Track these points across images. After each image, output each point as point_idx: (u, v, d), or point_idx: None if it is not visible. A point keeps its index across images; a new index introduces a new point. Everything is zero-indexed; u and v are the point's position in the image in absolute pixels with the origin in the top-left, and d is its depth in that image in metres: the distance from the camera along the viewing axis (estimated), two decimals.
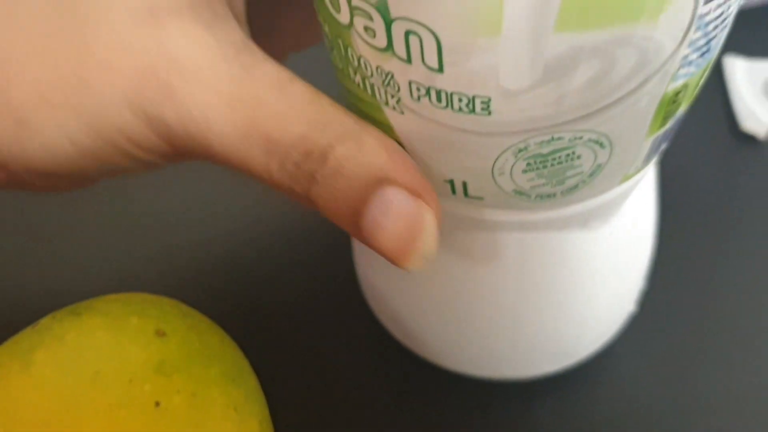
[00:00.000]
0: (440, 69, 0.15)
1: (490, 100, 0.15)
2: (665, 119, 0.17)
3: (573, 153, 0.17)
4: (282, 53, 0.25)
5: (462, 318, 0.24)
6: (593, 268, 0.22)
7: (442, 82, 0.15)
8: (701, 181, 0.34)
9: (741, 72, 0.37)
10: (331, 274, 0.32)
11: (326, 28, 0.17)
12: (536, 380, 0.27)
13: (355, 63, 0.16)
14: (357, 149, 0.17)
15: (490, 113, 0.15)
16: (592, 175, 0.18)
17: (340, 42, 0.16)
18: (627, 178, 0.19)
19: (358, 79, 0.17)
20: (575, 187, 0.18)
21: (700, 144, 0.35)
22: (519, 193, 0.18)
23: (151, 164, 0.19)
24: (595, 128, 0.16)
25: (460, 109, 0.15)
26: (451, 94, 0.15)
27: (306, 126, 0.17)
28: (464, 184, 0.18)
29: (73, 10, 0.18)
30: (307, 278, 0.32)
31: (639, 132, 0.17)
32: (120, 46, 0.17)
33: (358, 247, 0.27)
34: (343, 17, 0.15)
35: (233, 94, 0.17)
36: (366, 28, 0.15)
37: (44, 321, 0.20)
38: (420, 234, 0.17)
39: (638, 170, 0.19)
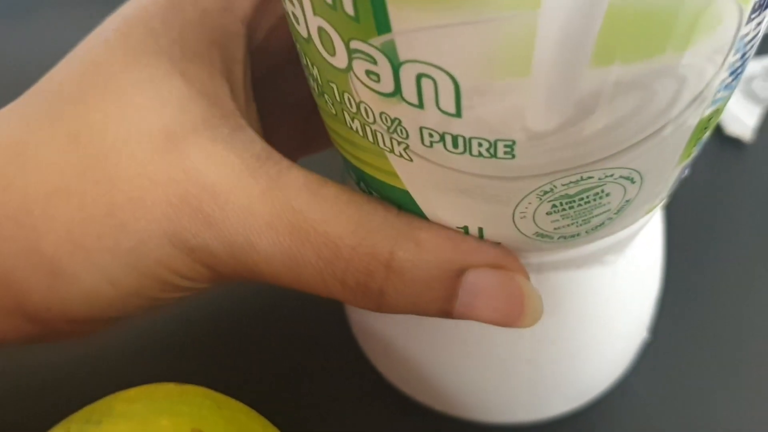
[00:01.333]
0: (458, 113, 0.13)
1: (514, 143, 0.13)
2: (695, 146, 0.16)
3: (602, 191, 0.15)
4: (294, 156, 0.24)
5: (476, 365, 0.22)
6: (611, 301, 0.21)
7: (459, 127, 0.13)
8: (688, 185, 0.33)
9: None
10: (329, 337, 0.30)
11: (314, 72, 0.15)
12: (551, 421, 0.25)
13: (353, 109, 0.15)
14: (418, 249, 0.17)
15: (513, 157, 0.14)
16: (619, 211, 0.16)
17: (333, 87, 0.15)
18: (651, 210, 0.18)
19: (356, 125, 0.15)
20: (601, 225, 0.16)
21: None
22: (541, 235, 0.16)
23: (193, 290, 0.19)
24: (627, 164, 0.14)
25: (480, 154, 0.14)
26: (470, 140, 0.14)
27: (354, 235, 0.17)
28: (480, 230, 0.17)
29: (91, 147, 0.17)
30: (308, 340, 0.30)
31: (671, 163, 0.15)
32: (147, 178, 0.17)
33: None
34: (339, 61, 0.14)
35: (270, 213, 0.17)
36: (368, 73, 0.13)
37: (57, 430, 0.17)
38: (521, 299, 0.17)
39: (663, 201, 0.18)
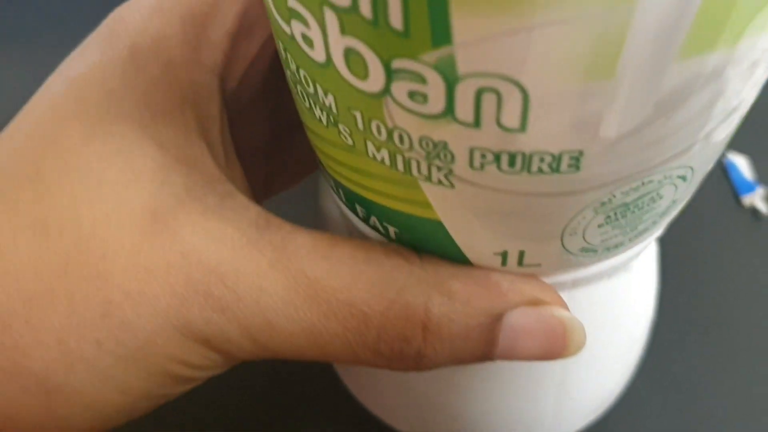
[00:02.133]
0: (522, 128, 0.12)
1: (581, 154, 0.12)
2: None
3: (657, 194, 0.14)
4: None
5: (501, 394, 0.20)
6: (632, 306, 0.20)
7: (520, 142, 0.12)
8: (703, 254, 0.32)
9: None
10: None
11: (328, 101, 0.13)
12: None
13: (382, 137, 0.13)
14: (452, 302, 0.15)
15: (578, 169, 0.12)
16: (664, 214, 0.15)
17: (357, 115, 0.13)
18: (681, 209, 0.17)
19: (382, 155, 0.13)
20: (645, 230, 0.15)
21: (702, 217, 0.33)
22: (586, 250, 0.15)
23: (205, 378, 0.17)
24: (687, 162, 0.13)
25: (540, 170, 0.12)
26: (530, 156, 0.12)
27: (383, 298, 0.15)
28: (521, 254, 0.15)
29: (65, 237, 0.14)
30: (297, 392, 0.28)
31: (718, 154, 0.14)
32: (142, 268, 0.15)
33: None
34: (372, 85, 0.12)
35: (284, 288, 0.15)
36: (412, 94, 0.12)
37: None
38: (564, 333, 0.16)
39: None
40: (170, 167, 0.15)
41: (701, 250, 0.31)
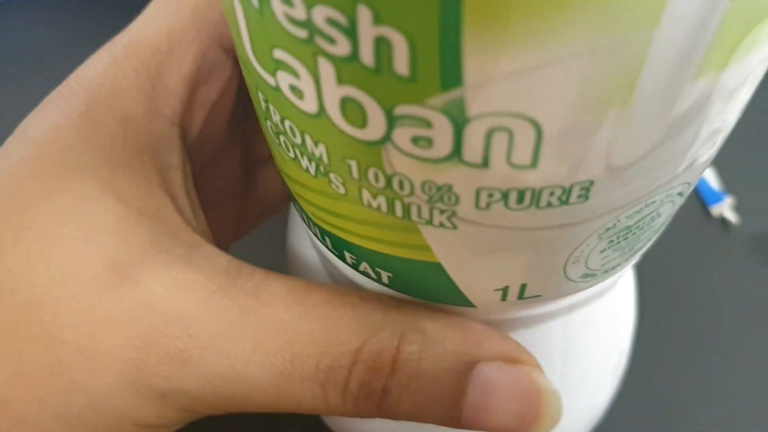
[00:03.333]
0: (533, 164, 0.11)
1: (592, 183, 0.12)
2: None
3: (657, 213, 0.14)
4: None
5: None
6: (620, 326, 0.20)
7: (531, 179, 0.11)
8: (675, 264, 0.32)
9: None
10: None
11: (317, 152, 0.13)
12: None
13: (380, 184, 0.12)
14: (424, 340, 0.15)
15: (587, 199, 0.12)
16: (658, 231, 0.15)
17: (351, 164, 0.12)
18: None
19: (378, 202, 0.13)
20: (640, 249, 0.15)
21: (672, 228, 0.33)
22: (586, 276, 0.15)
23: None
24: (687, 179, 0.13)
25: (549, 204, 0.12)
26: (540, 191, 0.12)
27: (356, 338, 0.15)
28: (522, 287, 0.15)
29: (18, 296, 0.14)
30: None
31: (708, 164, 0.14)
32: (97, 323, 0.14)
33: None
34: (371, 133, 0.11)
35: (257, 335, 0.14)
36: (416, 139, 0.11)
37: None
38: (537, 399, 0.15)
39: None
40: (132, 220, 0.15)
41: (673, 260, 0.32)
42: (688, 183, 0.13)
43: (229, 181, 0.20)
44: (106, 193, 0.15)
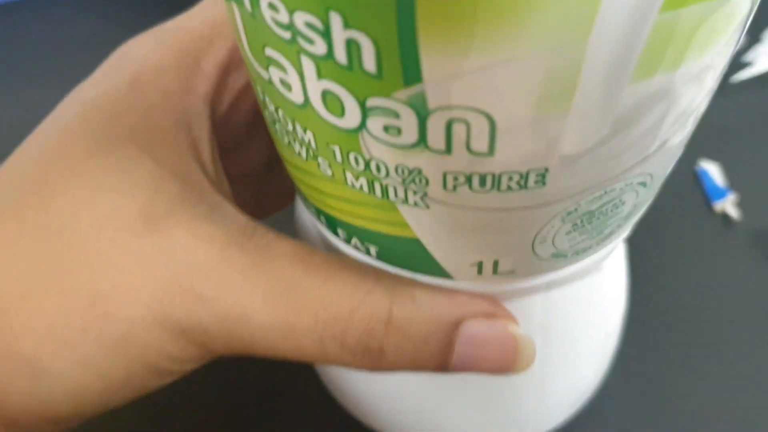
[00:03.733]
0: (491, 152, 0.12)
1: (546, 170, 0.13)
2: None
3: (620, 200, 0.15)
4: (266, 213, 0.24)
5: (485, 393, 0.21)
6: (605, 302, 0.21)
7: (490, 165, 0.13)
8: (676, 259, 0.33)
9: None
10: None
11: (306, 137, 0.14)
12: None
13: (360, 167, 0.14)
14: (414, 305, 0.17)
15: (544, 185, 0.13)
16: (628, 217, 0.16)
17: (335, 149, 0.14)
18: (645, 212, 0.18)
19: (360, 182, 0.14)
20: (611, 234, 0.16)
21: (674, 223, 0.34)
22: (557, 255, 0.16)
23: (183, 372, 0.18)
24: (646, 170, 0.14)
25: (509, 188, 0.13)
26: (500, 176, 0.13)
27: (353, 297, 0.16)
28: (495, 263, 0.16)
29: (63, 236, 0.16)
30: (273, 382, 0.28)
31: (675, 159, 0.15)
32: (131, 263, 0.16)
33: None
34: (349, 121, 0.13)
35: (264, 284, 0.16)
36: (387, 128, 0.12)
37: None
38: (515, 345, 0.17)
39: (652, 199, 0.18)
40: (165, 179, 0.17)
41: (674, 255, 0.32)
42: (650, 174, 0.15)
43: (251, 162, 0.22)
44: (144, 155, 0.17)
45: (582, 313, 0.20)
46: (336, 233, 0.17)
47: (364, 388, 0.23)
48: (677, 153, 0.15)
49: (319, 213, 0.17)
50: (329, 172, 0.15)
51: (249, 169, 0.22)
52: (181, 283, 0.16)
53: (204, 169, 0.18)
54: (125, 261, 0.16)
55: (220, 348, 0.17)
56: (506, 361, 0.17)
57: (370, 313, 0.16)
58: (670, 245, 0.33)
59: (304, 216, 0.20)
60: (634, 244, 0.32)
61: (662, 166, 0.15)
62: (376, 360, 0.17)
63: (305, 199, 0.17)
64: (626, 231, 0.18)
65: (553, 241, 0.15)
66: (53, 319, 0.16)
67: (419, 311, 0.17)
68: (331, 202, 0.16)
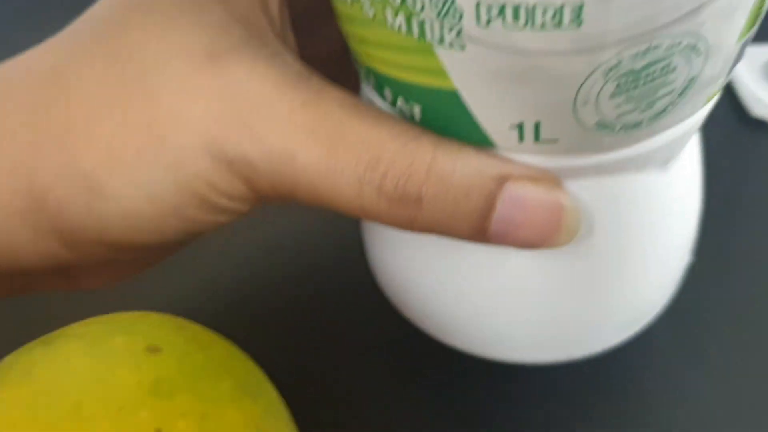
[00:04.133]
0: None
1: (582, 6, 0.12)
2: (756, 18, 0.15)
3: (668, 65, 0.14)
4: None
5: (524, 295, 0.21)
6: (666, 212, 0.20)
7: None
8: (713, 168, 0.32)
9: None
10: (341, 267, 0.29)
11: None
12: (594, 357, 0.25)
13: (397, 2, 0.14)
14: (458, 154, 0.16)
15: (580, 24, 0.13)
16: (682, 93, 0.15)
17: None
18: (709, 99, 0.17)
19: (399, 21, 0.14)
20: (663, 111, 0.16)
21: (710, 133, 0.32)
22: (602, 126, 0.15)
23: (231, 213, 0.18)
24: (695, 29, 0.13)
25: (543, 25, 0.13)
26: (534, 7, 0.13)
27: (397, 140, 0.16)
28: (536, 126, 0.15)
29: (131, 63, 0.17)
30: (315, 275, 0.29)
31: (734, 33, 0.14)
32: (188, 92, 0.17)
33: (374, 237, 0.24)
34: None
35: (311, 122, 0.16)
36: None
37: (8, 358, 0.17)
38: (560, 213, 0.17)
39: (719, 89, 0.17)
40: (232, 23, 0.18)
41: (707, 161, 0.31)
42: (701, 38, 0.14)
43: (324, 46, 0.23)
44: (216, 2, 0.18)
45: (641, 216, 0.19)
46: (383, 95, 0.17)
47: (416, 288, 0.23)
48: (733, 27, 0.14)
49: (368, 73, 0.17)
50: (371, 13, 0.15)
51: (322, 52, 0.23)
52: (234, 115, 0.17)
53: (270, 20, 0.18)
54: (184, 91, 0.17)
55: (265, 186, 0.17)
56: (548, 229, 0.17)
57: (413, 157, 0.16)
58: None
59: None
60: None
61: (715, 35, 0.14)
62: (412, 212, 0.17)
63: (355, 60, 0.18)
64: (684, 117, 0.17)
65: (596, 104, 0.15)
66: (112, 139, 0.17)
67: (464, 162, 0.16)
68: (375, 52, 0.16)
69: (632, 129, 0.16)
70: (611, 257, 0.19)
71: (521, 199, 0.16)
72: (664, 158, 0.18)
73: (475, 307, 0.21)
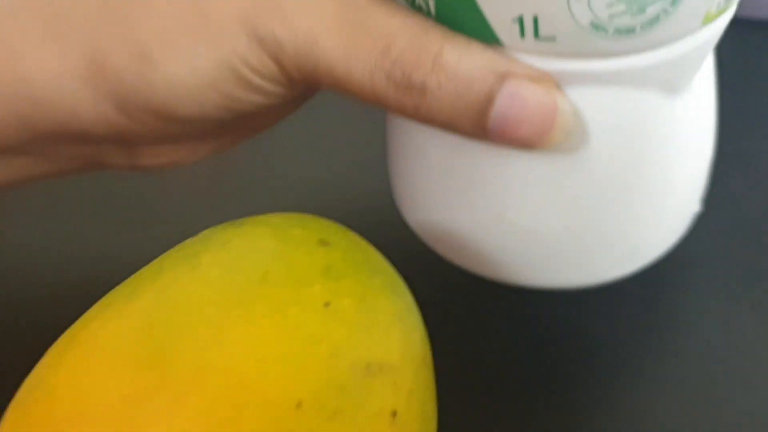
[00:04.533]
0: None
1: None
2: None
3: None
4: None
5: (527, 212, 0.22)
6: (676, 148, 0.21)
7: None
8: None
9: None
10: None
11: None
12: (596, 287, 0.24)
13: None
14: (465, 49, 0.18)
15: None
16: (674, 1, 0.17)
17: None
18: (708, 19, 0.19)
19: None
20: (656, 18, 0.18)
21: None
22: (596, 26, 0.18)
23: (265, 94, 0.20)
24: None
25: None
26: None
27: (410, 32, 0.18)
28: (535, 21, 0.18)
29: None
30: None
31: None
32: None
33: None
34: None
35: (334, 7, 0.18)
36: None
37: (204, 232, 0.20)
38: (555, 111, 0.18)
39: (719, 10, 0.19)
40: None
41: None
42: None
43: None
44: None
45: (646, 141, 0.20)
46: None
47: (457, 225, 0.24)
48: None
49: None
50: None
51: None
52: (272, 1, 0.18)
53: None
54: None
55: (291, 66, 0.19)
56: (543, 126, 0.18)
57: (421, 48, 0.18)
58: None
59: None
60: None
61: None
62: (417, 99, 0.18)
63: None
64: (679, 32, 0.18)
65: (589, 1, 0.17)
66: (165, 14, 0.19)
67: (469, 57, 0.18)
68: None
69: (626, 34, 0.18)
70: (616, 178, 0.21)
71: (519, 95, 0.18)
72: (665, 80, 0.19)
73: (486, 221, 0.23)
